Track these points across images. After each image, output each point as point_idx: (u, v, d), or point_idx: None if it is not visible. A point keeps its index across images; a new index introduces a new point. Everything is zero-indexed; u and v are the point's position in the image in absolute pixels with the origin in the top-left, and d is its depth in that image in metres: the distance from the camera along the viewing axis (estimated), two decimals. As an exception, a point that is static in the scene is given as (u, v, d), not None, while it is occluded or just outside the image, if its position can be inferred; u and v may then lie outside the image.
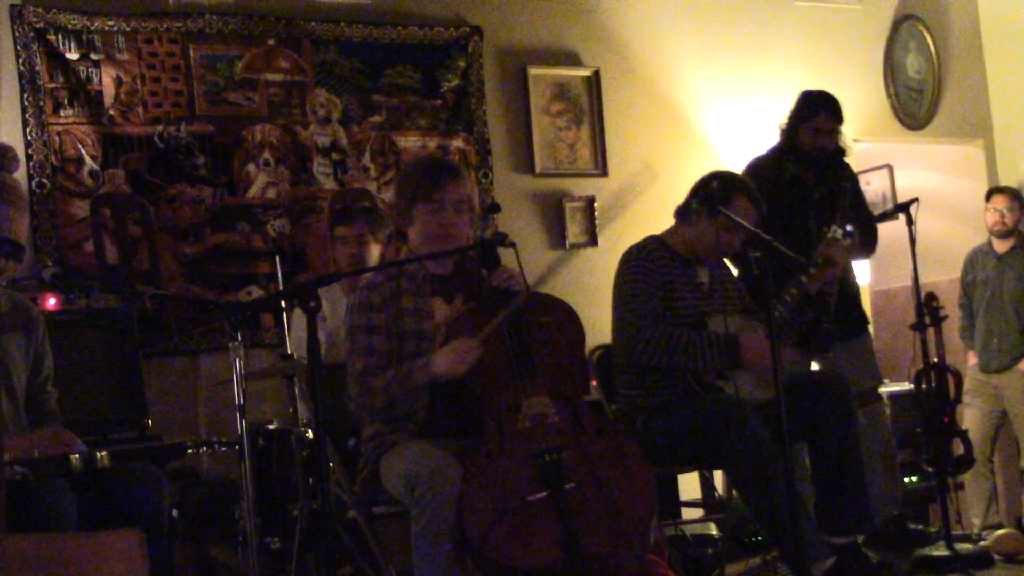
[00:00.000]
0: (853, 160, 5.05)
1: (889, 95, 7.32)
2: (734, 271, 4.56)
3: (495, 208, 4.89)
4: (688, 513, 5.47)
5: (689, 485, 5.60)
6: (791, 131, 4.84)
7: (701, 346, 3.93)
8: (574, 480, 3.05)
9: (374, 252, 4.70)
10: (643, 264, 4.08)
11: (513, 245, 3.35)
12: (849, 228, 4.24)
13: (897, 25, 7.38)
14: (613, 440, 3.25)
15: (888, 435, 4.98)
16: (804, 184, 4.79)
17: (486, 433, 3.19)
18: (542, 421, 3.19)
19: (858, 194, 4.96)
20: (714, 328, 4.02)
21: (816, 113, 4.78)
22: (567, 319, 3.46)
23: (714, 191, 4.04)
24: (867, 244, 4.88)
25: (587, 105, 6.35)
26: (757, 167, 4.89)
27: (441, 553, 3.06)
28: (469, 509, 3.01)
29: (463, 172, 3.55)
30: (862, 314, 4.98)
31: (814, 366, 4.86)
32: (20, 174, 4.90)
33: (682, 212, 4.20)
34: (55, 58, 5.10)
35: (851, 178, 4.90)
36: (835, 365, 4.75)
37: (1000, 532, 4.90)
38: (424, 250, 3.45)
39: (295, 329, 4.60)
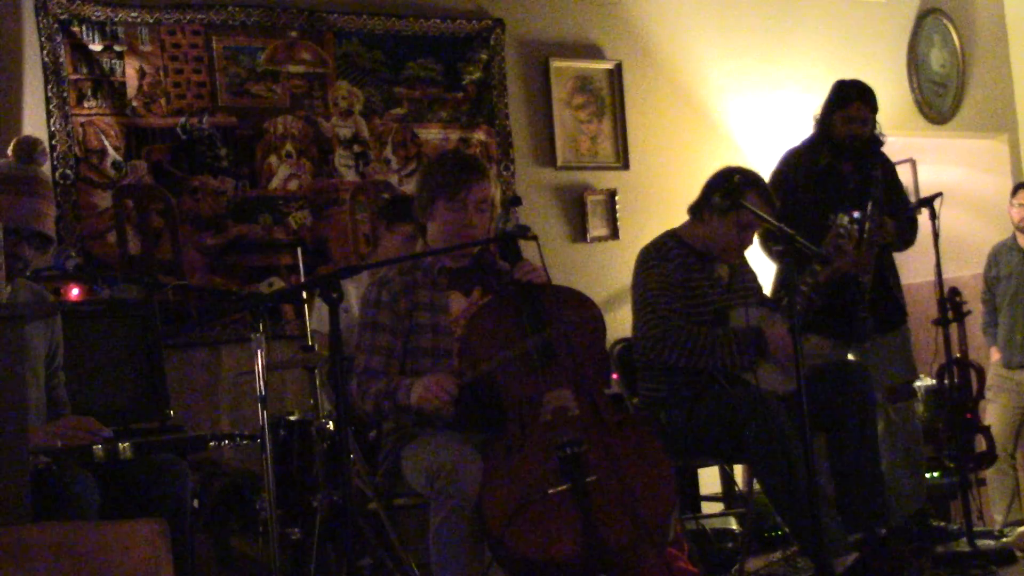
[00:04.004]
0: (888, 150, 5.02)
1: (913, 89, 7.29)
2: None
3: (516, 201, 4.87)
4: (708, 507, 5.47)
5: (709, 479, 5.60)
6: (825, 120, 4.82)
7: (726, 343, 3.91)
8: (595, 473, 3.04)
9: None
10: (660, 264, 4.07)
11: (535, 238, 3.34)
12: (856, 214, 4.22)
13: (921, 19, 7.34)
14: (634, 433, 3.24)
15: (917, 432, 4.93)
16: (839, 174, 4.77)
17: (507, 426, 3.19)
18: (563, 414, 3.19)
19: (894, 183, 4.93)
20: (736, 321, 4.00)
21: (850, 102, 4.76)
22: (588, 312, 3.45)
23: (724, 188, 4.02)
24: (905, 235, 4.85)
25: (609, 98, 6.34)
26: (791, 157, 4.88)
27: (460, 546, 3.06)
28: (489, 502, 3.01)
29: (488, 171, 3.52)
30: (901, 307, 4.92)
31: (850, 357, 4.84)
32: (44, 165, 4.92)
33: (694, 209, 4.18)
34: (79, 49, 5.12)
35: (886, 167, 4.87)
36: (870, 358, 4.73)
37: (1022, 528, 4.87)
38: (442, 246, 3.44)
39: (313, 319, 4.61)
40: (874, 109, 4.80)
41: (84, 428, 3.14)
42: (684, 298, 4.04)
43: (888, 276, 4.83)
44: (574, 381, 3.26)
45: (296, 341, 5.07)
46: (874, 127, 4.80)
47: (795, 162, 4.79)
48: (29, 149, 3.30)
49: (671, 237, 4.18)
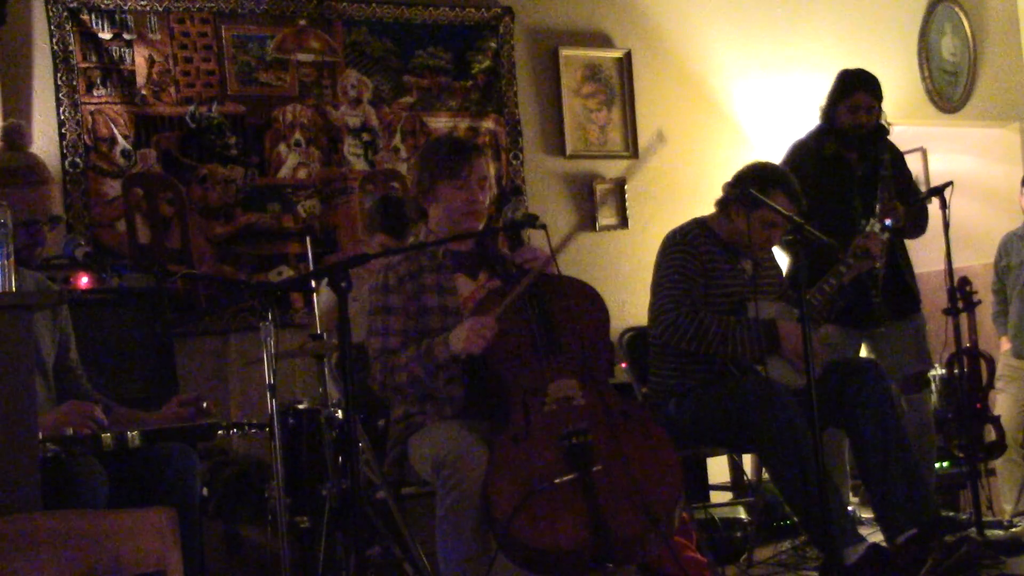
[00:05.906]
0: (895, 139, 5.00)
1: (923, 78, 7.25)
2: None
3: (517, 191, 4.88)
4: (717, 496, 5.46)
5: (718, 468, 5.60)
6: (830, 110, 4.81)
7: (737, 332, 3.90)
8: (601, 462, 3.04)
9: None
10: (684, 249, 4.06)
11: (544, 226, 3.35)
12: (888, 222, 4.23)
13: (932, 6, 7.31)
14: (639, 423, 3.24)
15: (929, 423, 4.90)
16: (846, 162, 4.76)
17: (512, 416, 3.19)
18: (568, 404, 3.19)
19: (903, 172, 4.91)
20: (750, 314, 3.99)
21: (854, 91, 4.75)
22: (592, 302, 3.45)
23: (751, 186, 3.98)
24: (917, 223, 4.84)
25: (618, 86, 6.32)
26: (798, 148, 4.87)
27: (466, 534, 3.07)
28: (496, 491, 3.01)
29: (483, 149, 3.56)
30: (914, 294, 4.90)
31: (863, 351, 4.82)
32: (53, 154, 4.93)
33: (721, 204, 4.17)
34: (88, 38, 5.13)
35: (894, 154, 4.85)
36: (884, 346, 4.71)
37: (1032, 519, 4.87)
38: (448, 226, 3.46)
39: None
40: (879, 97, 4.78)
41: (81, 413, 3.12)
42: (704, 287, 4.03)
43: (901, 263, 4.82)
44: (579, 371, 3.27)
45: (305, 330, 5.07)
46: (879, 115, 4.79)
47: (801, 153, 4.78)
48: (18, 134, 3.35)
49: (699, 224, 4.16)
